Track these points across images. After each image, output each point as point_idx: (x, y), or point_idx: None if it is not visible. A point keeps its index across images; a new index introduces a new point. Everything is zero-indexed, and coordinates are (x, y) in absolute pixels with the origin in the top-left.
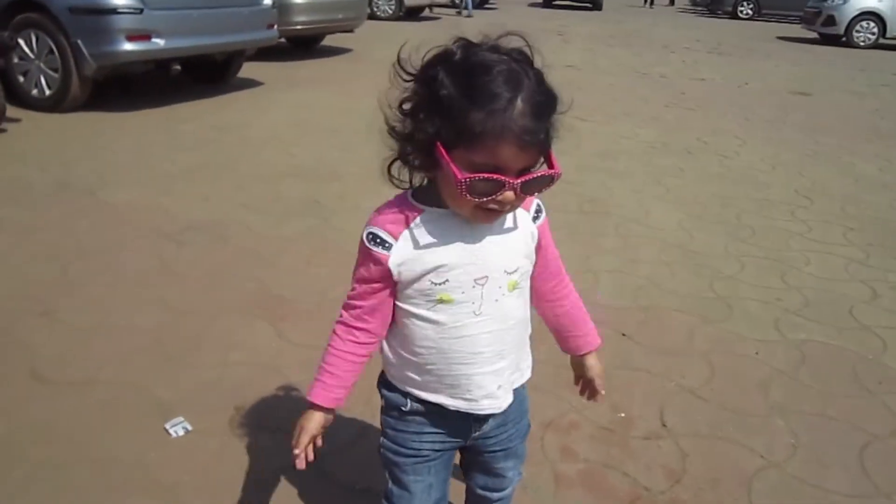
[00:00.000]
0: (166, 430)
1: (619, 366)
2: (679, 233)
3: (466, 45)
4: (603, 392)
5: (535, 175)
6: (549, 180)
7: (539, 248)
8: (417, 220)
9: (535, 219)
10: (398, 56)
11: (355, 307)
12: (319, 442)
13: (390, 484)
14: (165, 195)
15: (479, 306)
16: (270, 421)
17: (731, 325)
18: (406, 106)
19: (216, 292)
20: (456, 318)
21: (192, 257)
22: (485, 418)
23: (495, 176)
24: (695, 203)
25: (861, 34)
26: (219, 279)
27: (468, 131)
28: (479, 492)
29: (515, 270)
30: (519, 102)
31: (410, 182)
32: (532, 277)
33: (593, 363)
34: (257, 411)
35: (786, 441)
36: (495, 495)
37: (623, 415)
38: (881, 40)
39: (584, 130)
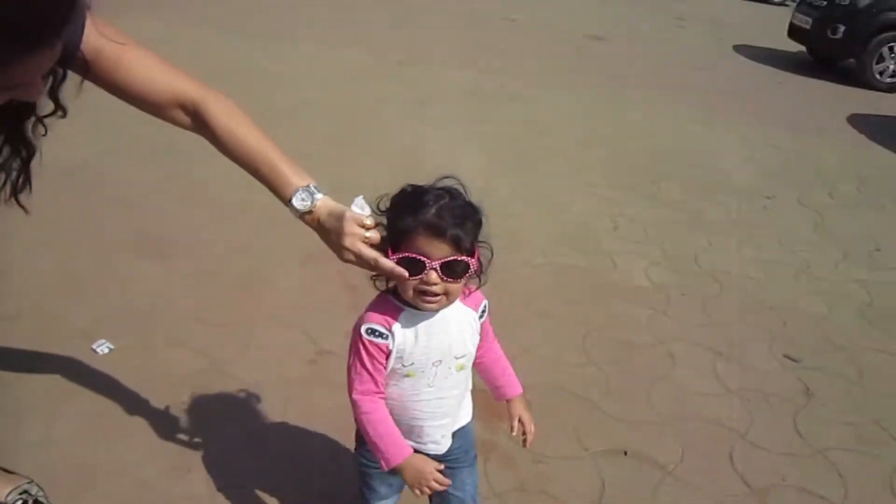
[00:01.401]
0: (93, 350)
1: None
2: (479, 178)
3: (414, 186)
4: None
5: (449, 259)
6: (464, 265)
7: (483, 335)
8: (400, 317)
9: (479, 317)
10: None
11: (369, 391)
12: (439, 466)
13: (364, 488)
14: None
15: (433, 380)
16: (176, 338)
17: (511, 252)
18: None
19: (101, 234)
20: (415, 388)
21: (70, 201)
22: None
23: (417, 256)
24: (494, 149)
25: None
26: (100, 222)
27: (401, 232)
28: None
29: (463, 356)
30: (433, 209)
31: (387, 284)
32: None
33: (520, 408)
34: (165, 331)
35: (535, 329)
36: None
37: None
38: None
39: (404, 76)
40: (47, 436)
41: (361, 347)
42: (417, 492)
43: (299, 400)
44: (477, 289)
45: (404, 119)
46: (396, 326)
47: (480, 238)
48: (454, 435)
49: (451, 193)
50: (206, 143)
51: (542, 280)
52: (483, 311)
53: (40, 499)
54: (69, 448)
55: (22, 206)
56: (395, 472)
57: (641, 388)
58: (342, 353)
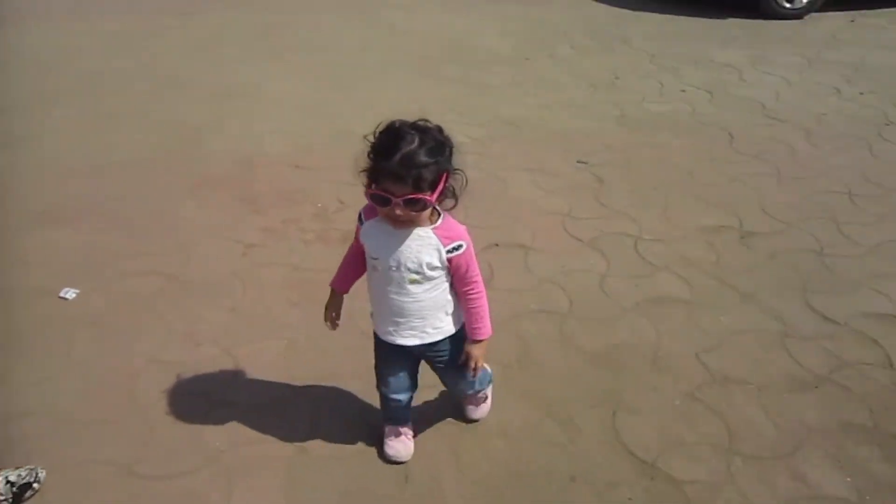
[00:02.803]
0: (62, 297)
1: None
2: (306, 96)
3: (400, 121)
4: (473, 368)
5: (409, 196)
6: (423, 202)
7: (453, 269)
8: (374, 220)
9: (451, 251)
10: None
11: (349, 250)
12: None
13: (375, 367)
14: None
15: (389, 283)
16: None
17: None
18: (369, 156)
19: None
20: (377, 282)
21: None
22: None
23: (384, 194)
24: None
25: None
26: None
27: (375, 171)
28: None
29: (417, 273)
30: (398, 156)
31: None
32: (454, 283)
33: (474, 351)
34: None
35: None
36: (454, 395)
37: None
38: None
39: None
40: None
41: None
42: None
43: (252, 284)
44: (464, 228)
45: None
46: (369, 222)
47: (455, 167)
48: (432, 346)
49: (422, 137)
50: None
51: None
52: (454, 249)
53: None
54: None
55: None
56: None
57: (489, 205)
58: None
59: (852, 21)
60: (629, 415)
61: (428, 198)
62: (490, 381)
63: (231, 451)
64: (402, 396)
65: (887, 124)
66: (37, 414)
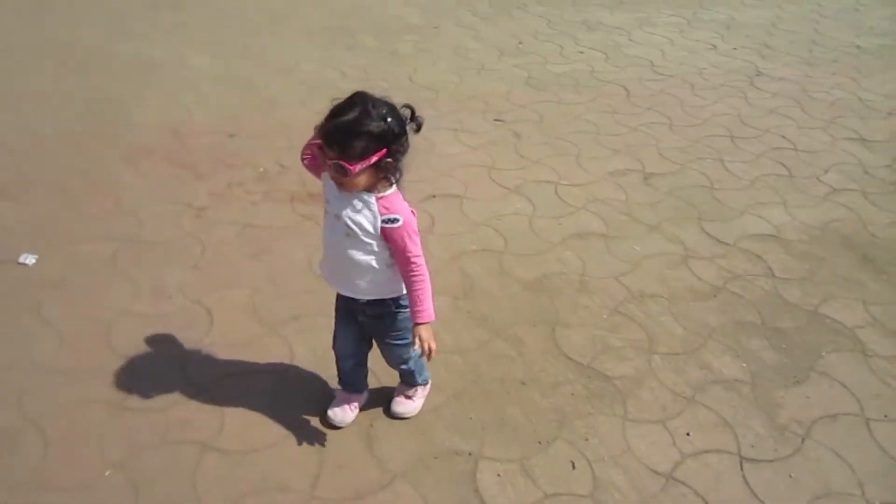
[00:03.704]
0: (21, 263)
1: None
2: (224, 67)
3: (362, 92)
4: (429, 349)
5: (333, 161)
6: (344, 168)
7: (390, 243)
8: None
9: (385, 222)
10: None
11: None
12: None
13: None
14: None
15: (332, 230)
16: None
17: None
18: None
19: None
20: (325, 225)
21: None
22: (350, 299)
23: (323, 150)
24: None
25: None
26: None
27: (320, 129)
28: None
29: (352, 227)
30: (332, 124)
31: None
32: (396, 260)
33: (419, 332)
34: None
35: None
36: (392, 366)
37: None
38: None
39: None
40: None
41: None
42: None
43: (210, 243)
44: (409, 205)
45: None
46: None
47: (398, 153)
48: (367, 306)
49: (367, 112)
50: None
51: None
52: (390, 221)
53: None
54: None
55: None
56: None
57: (420, 161)
58: None
59: None
60: (565, 329)
61: (350, 166)
62: (425, 383)
63: (216, 384)
64: (347, 362)
65: (758, 74)
66: (20, 364)
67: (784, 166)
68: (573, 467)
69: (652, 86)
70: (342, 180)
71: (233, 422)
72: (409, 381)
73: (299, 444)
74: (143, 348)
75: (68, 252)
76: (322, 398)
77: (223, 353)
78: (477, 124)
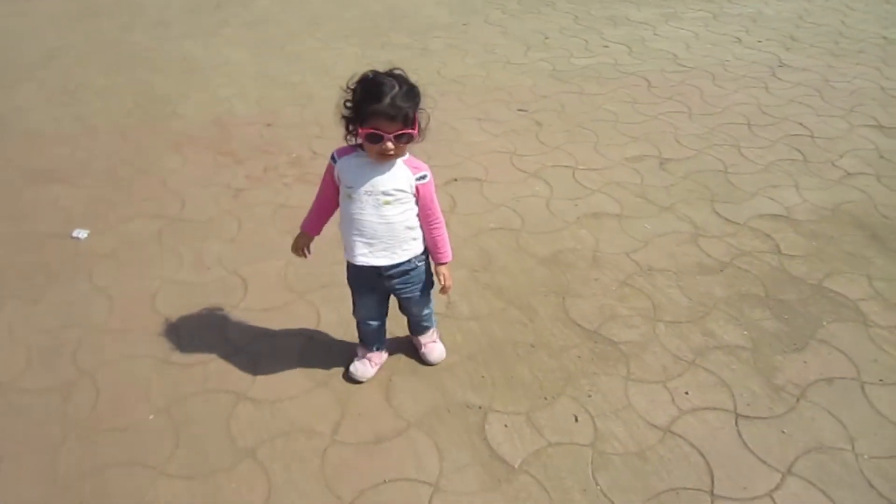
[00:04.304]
0: (74, 237)
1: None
2: (264, 66)
3: (374, 71)
4: (448, 285)
5: (399, 132)
6: (409, 135)
7: (419, 197)
8: (348, 156)
9: (418, 179)
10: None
11: (319, 192)
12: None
13: (351, 298)
14: None
15: (364, 206)
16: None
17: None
18: (347, 104)
19: None
20: (352, 208)
21: None
22: (378, 270)
23: (378, 132)
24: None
25: None
26: None
27: (366, 114)
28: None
29: (391, 195)
30: (388, 99)
31: (355, 139)
32: (420, 213)
33: (442, 270)
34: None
35: None
36: (415, 323)
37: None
38: None
39: None
40: None
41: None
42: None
43: (247, 219)
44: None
45: None
46: (343, 158)
47: (420, 107)
48: (397, 269)
49: (400, 82)
50: None
51: None
52: (421, 178)
53: None
54: None
55: None
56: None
57: (446, 148)
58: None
59: None
60: (576, 299)
61: (413, 132)
62: (435, 325)
63: (250, 343)
64: (369, 325)
65: (780, 66)
66: (75, 326)
67: (799, 151)
68: (576, 420)
69: (673, 77)
70: (402, 149)
71: (264, 375)
72: (426, 326)
73: (323, 395)
74: (185, 312)
75: (118, 229)
76: (345, 357)
77: (256, 317)
78: (501, 114)
